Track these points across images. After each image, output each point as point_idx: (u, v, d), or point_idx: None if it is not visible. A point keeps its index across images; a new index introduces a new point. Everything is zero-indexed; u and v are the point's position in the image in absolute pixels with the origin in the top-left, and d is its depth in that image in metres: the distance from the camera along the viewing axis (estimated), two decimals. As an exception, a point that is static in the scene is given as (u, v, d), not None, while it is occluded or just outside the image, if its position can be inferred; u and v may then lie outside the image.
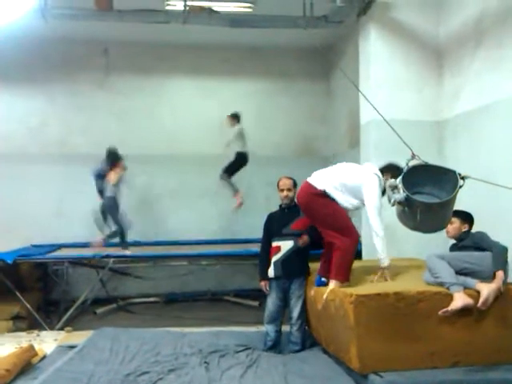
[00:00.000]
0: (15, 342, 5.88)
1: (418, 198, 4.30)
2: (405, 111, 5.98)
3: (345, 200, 4.43)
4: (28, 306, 6.60)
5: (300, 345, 4.92)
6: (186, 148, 8.96)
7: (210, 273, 8.25)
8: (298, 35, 6.78)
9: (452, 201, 4.28)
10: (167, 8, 6.66)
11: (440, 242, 4.99)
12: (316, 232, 4.70)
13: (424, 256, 4.41)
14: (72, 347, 5.02)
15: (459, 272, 4.00)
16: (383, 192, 4.50)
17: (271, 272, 5.04)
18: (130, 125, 8.94)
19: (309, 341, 4.99)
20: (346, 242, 4.35)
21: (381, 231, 4.32)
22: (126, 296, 8.32)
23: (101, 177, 7.61)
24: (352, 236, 4.40)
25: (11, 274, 6.73)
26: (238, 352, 4.75)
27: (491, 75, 5.19)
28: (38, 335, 6.31)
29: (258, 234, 5.37)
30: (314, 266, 4.91)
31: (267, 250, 5.14)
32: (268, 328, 5.02)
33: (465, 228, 4.35)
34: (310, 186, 4.53)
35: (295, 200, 5.09)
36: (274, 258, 5.03)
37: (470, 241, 4.27)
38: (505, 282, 3.98)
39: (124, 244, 7.24)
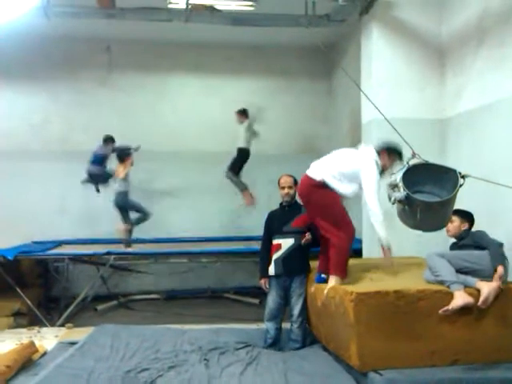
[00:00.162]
0: (16, 338, 5.89)
1: (418, 196, 4.31)
2: (407, 110, 5.98)
3: (344, 187, 4.44)
4: (29, 302, 6.63)
5: (300, 342, 4.93)
6: (188, 145, 8.98)
7: (210, 270, 8.27)
8: (300, 34, 6.79)
9: (452, 200, 4.29)
10: (169, 6, 6.66)
11: (440, 240, 4.99)
12: (317, 230, 4.71)
13: (424, 254, 4.41)
14: (72, 344, 5.03)
15: (459, 270, 4.00)
16: (381, 172, 4.51)
17: (272, 270, 5.04)
18: (132, 122, 8.95)
19: (309, 338, 4.99)
20: (342, 237, 4.38)
21: (380, 216, 4.32)
22: (126, 293, 8.34)
23: (97, 161, 7.70)
24: (348, 231, 4.43)
25: (12, 270, 6.76)
26: (237, 349, 4.75)
27: (493, 74, 5.19)
28: (39, 332, 6.33)
29: (259, 231, 5.38)
30: (315, 264, 4.91)
31: (268, 248, 5.14)
32: (268, 325, 5.03)
33: (465, 227, 4.35)
34: (309, 178, 4.55)
35: (296, 198, 5.12)
36: (275, 256, 5.03)
37: (470, 240, 4.27)
38: (505, 281, 3.99)
39: (127, 241, 7.26)
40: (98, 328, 5.40)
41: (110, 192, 7.95)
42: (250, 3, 7.03)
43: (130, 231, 7.36)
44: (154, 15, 6.51)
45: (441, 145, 6.02)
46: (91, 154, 7.74)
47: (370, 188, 4.37)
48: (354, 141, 7.68)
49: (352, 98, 7.46)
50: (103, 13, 6.41)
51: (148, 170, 8.45)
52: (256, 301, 7.57)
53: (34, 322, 6.65)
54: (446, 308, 3.77)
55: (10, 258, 6.40)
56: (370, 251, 6.06)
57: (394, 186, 4.36)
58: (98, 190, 7.84)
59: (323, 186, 4.44)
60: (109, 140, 7.89)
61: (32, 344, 4.87)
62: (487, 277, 3.93)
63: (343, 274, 4.37)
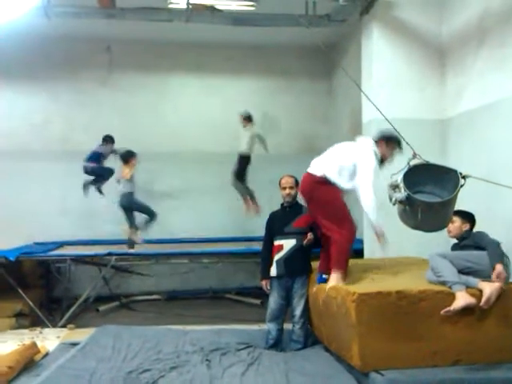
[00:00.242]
0: (18, 339, 5.88)
1: (419, 197, 4.31)
2: (407, 110, 5.99)
3: (345, 181, 4.45)
4: (31, 303, 6.63)
5: (302, 343, 4.92)
6: (189, 145, 8.98)
7: (211, 271, 8.27)
8: (300, 34, 6.79)
9: (453, 200, 4.29)
10: (170, 6, 6.66)
11: (441, 241, 4.99)
12: (318, 230, 4.72)
13: (425, 255, 4.41)
14: (74, 344, 5.03)
15: (462, 271, 4.00)
16: (381, 162, 4.55)
17: (274, 271, 5.04)
18: (132, 122, 8.95)
19: (310, 339, 4.99)
20: (343, 234, 4.40)
21: (372, 202, 4.33)
22: (128, 294, 8.34)
23: (94, 158, 7.73)
24: (349, 228, 4.46)
25: (14, 271, 6.76)
26: (239, 350, 4.75)
27: (494, 74, 5.19)
28: (41, 332, 6.33)
29: (260, 232, 5.38)
30: (316, 265, 4.92)
31: (269, 249, 5.14)
32: (270, 326, 5.02)
33: (466, 227, 4.35)
34: (310, 176, 4.57)
35: (297, 198, 5.13)
36: (277, 257, 5.03)
37: (470, 240, 4.27)
38: (507, 281, 3.99)
39: (130, 242, 7.26)
40: (99, 329, 5.41)
41: (111, 192, 7.97)
42: (251, 3, 7.03)
43: (134, 232, 7.37)
44: (154, 15, 6.51)
45: (441, 145, 6.02)
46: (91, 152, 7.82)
47: (365, 174, 4.38)
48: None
49: (352, 97, 7.46)
50: (104, 13, 6.41)
51: (148, 171, 8.45)
52: (257, 301, 7.56)
53: (35, 322, 6.65)
54: (447, 309, 3.77)
55: (11, 259, 6.40)
56: (371, 251, 6.07)
57: (394, 187, 4.37)
58: (100, 192, 7.83)
59: (325, 181, 4.46)
60: (108, 140, 7.92)
61: (34, 345, 4.87)
62: (489, 277, 3.93)
63: (344, 270, 4.39)
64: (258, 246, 6.04)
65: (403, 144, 4.64)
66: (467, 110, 5.65)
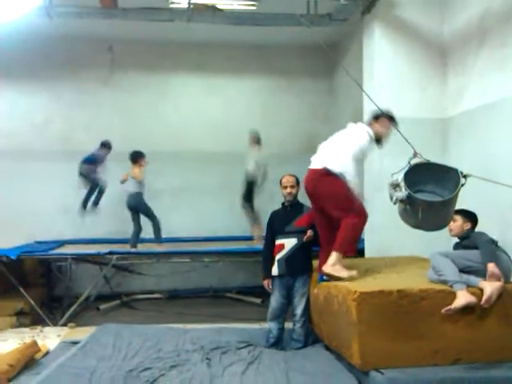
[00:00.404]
0: (18, 337, 5.89)
1: (419, 196, 4.31)
2: (408, 109, 5.97)
3: (345, 168, 4.44)
4: (31, 301, 6.63)
5: (302, 342, 4.92)
6: (190, 145, 8.99)
7: (212, 270, 8.26)
8: (301, 33, 6.78)
9: (454, 199, 4.29)
10: (171, 6, 6.67)
11: (442, 240, 4.99)
12: (319, 228, 4.73)
13: (427, 254, 4.42)
14: (75, 343, 5.04)
15: (463, 270, 4.00)
16: (378, 142, 4.62)
17: (275, 270, 5.05)
18: (133, 122, 8.97)
19: (311, 337, 4.99)
20: (355, 219, 4.41)
21: (353, 179, 4.40)
22: (129, 292, 8.35)
23: (90, 162, 7.74)
24: (361, 215, 4.48)
25: (15, 270, 6.77)
26: (239, 349, 4.75)
27: (495, 74, 5.19)
28: (42, 331, 6.32)
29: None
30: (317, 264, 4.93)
31: (270, 248, 5.15)
32: (271, 325, 5.03)
33: (467, 226, 4.34)
34: (312, 171, 4.59)
35: (298, 198, 5.13)
36: (278, 256, 5.04)
37: (471, 240, 4.26)
38: (508, 280, 3.99)
39: (133, 242, 7.27)
40: (100, 327, 5.41)
41: (111, 192, 7.99)
42: (252, 3, 7.03)
43: (137, 233, 7.36)
44: (155, 15, 6.52)
45: (443, 144, 6.02)
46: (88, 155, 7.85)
47: (350, 151, 4.42)
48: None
49: (354, 97, 7.45)
50: (105, 13, 6.43)
51: (149, 170, 8.42)
52: (258, 300, 7.57)
53: (36, 321, 6.65)
54: (448, 307, 3.76)
55: (12, 257, 6.41)
56: (373, 251, 6.07)
57: (395, 186, 4.36)
58: (96, 204, 7.87)
59: (326, 174, 4.46)
60: (105, 145, 7.93)
61: (34, 343, 4.88)
62: (490, 276, 3.93)
63: (344, 251, 4.43)
64: (258, 245, 6.04)
65: (405, 144, 4.65)
66: (468, 109, 5.65)
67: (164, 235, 7.52)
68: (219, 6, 6.59)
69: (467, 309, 3.79)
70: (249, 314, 6.91)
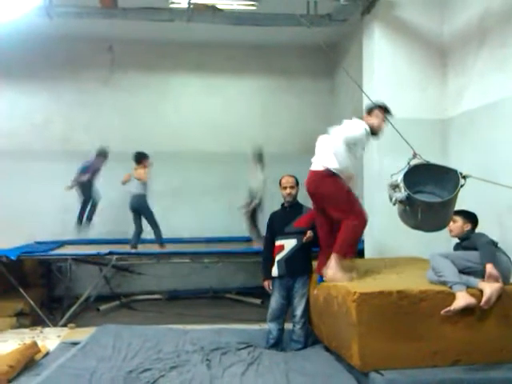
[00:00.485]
0: (18, 338, 5.88)
1: (419, 197, 4.30)
2: (408, 110, 5.97)
3: (344, 163, 4.46)
4: (31, 302, 6.62)
5: (302, 343, 4.92)
6: (190, 145, 8.98)
7: (212, 270, 8.26)
8: (301, 33, 6.78)
9: (453, 200, 4.28)
10: (171, 6, 6.67)
11: (442, 240, 4.99)
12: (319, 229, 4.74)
13: (426, 255, 4.41)
14: (75, 344, 5.04)
15: (463, 271, 4.00)
16: (374, 134, 4.61)
17: (275, 271, 5.05)
18: (133, 122, 8.97)
19: (310, 338, 4.99)
20: (355, 221, 4.43)
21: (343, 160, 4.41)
22: (129, 293, 8.34)
23: (86, 170, 7.71)
24: (361, 217, 4.51)
25: (15, 270, 6.76)
26: (239, 349, 4.75)
27: (495, 74, 5.19)
28: (42, 332, 6.32)
29: (261, 231, 5.37)
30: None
31: (271, 249, 5.15)
32: (271, 326, 5.03)
33: (467, 227, 4.33)
34: (314, 172, 4.60)
35: (297, 198, 5.13)
36: (278, 257, 5.04)
37: (471, 241, 4.26)
38: (507, 281, 3.99)
39: (133, 243, 7.26)
40: (100, 328, 5.41)
41: (110, 192, 7.99)
42: (252, 3, 7.02)
43: (138, 234, 7.36)
44: (156, 15, 6.52)
45: (442, 145, 6.02)
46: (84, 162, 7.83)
47: (343, 134, 4.43)
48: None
49: (354, 97, 7.45)
50: (105, 13, 6.43)
51: (149, 170, 8.45)
52: (258, 301, 7.57)
53: (36, 322, 6.65)
54: (447, 309, 3.76)
55: (12, 258, 6.41)
56: (372, 251, 6.07)
57: (395, 187, 4.36)
58: (89, 219, 7.84)
59: (328, 175, 4.47)
60: (102, 154, 7.88)
61: (34, 344, 4.89)
62: (490, 277, 3.93)
63: (343, 255, 4.44)
64: (258, 246, 6.04)
65: (404, 145, 4.64)
66: (468, 109, 5.65)
67: (164, 235, 7.52)
68: (219, 6, 6.59)
69: (467, 310, 3.79)
70: (249, 314, 6.91)
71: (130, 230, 7.50)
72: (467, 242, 4.26)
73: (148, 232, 7.54)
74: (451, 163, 5.38)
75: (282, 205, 5.24)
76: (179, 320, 6.61)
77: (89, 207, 7.84)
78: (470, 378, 3.67)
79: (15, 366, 4.30)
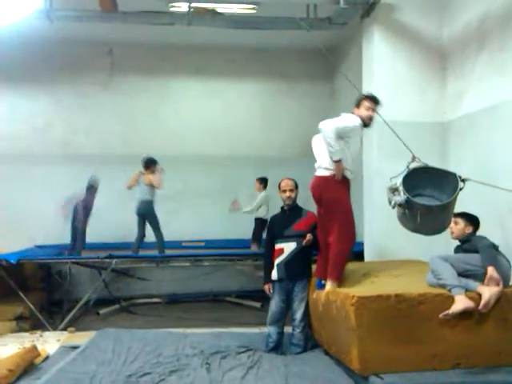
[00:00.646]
0: (18, 342, 5.88)
1: (418, 200, 4.31)
2: (407, 113, 5.98)
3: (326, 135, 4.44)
4: (31, 306, 6.61)
5: (302, 347, 4.92)
6: (190, 148, 8.99)
7: (211, 274, 8.25)
8: (301, 36, 6.78)
9: (452, 203, 4.29)
10: (171, 10, 6.68)
11: (442, 243, 4.99)
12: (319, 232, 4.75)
13: (426, 257, 4.42)
14: (75, 348, 5.04)
15: (462, 274, 4.01)
16: (366, 126, 4.62)
17: (274, 274, 5.05)
18: (134, 125, 8.99)
19: (310, 343, 4.99)
20: (343, 243, 4.47)
21: (334, 145, 4.36)
22: (128, 297, 8.33)
23: (84, 209, 7.51)
24: (349, 238, 4.53)
25: (15, 274, 6.76)
26: (239, 353, 4.76)
27: (494, 78, 5.19)
28: (41, 336, 6.31)
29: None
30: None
31: (271, 253, 5.15)
32: (270, 329, 5.03)
33: (469, 230, 4.31)
34: (319, 177, 4.60)
35: (297, 202, 5.14)
36: (277, 261, 5.04)
37: (471, 243, 4.26)
38: (507, 285, 3.99)
39: (135, 248, 7.26)
40: (99, 332, 5.42)
41: (110, 195, 7.99)
42: (252, 6, 7.03)
43: (141, 239, 7.35)
44: (156, 19, 6.52)
45: (442, 148, 6.01)
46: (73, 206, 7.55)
47: (333, 126, 4.39)
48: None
49: (354, 100, 7.44)
50: (105, 16, 6.42)
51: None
52: (258, 304, 7.56)
53: (36, 325, 6.64)
54: (446, 312, 3.77)
55: (12, 261, 6.40)
56: (372, 254, 6.07)
57: (394, 190, 4.37)
58: (79, 251, 7.56)
59: (332, 180, 4.47)
60: (93, 186, 7.66)
61: (34, 348, 4.87)
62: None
63: (339, 278, 4.47)
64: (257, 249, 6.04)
65: (403, 148, 4.66)
66: (467, 113, 5.64)
67: (165, 239, 7.52)
68: (219, 10, 6.60)
69: (465, 313, 3.80)
70: (248, 318, 6.90)
71: (129, 234, 7.49)
72: (468, 244, 4.26)
73: (151, 236, 7.53)
74: (450, 166, 5.39)
75: (282, 208, 5.24)
76: (179, 324, 6.60)
77: (78, 238, 7.62)
78: (469, 381, 3.68)
79: (15, 370, 4.29)
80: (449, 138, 6.00)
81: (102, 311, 7.51)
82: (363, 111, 4.62)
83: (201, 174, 8.97)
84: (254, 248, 7.60)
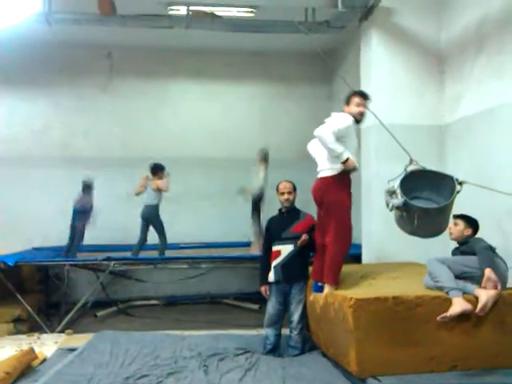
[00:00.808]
0: (16, 344, 5.88)
1: (415, 203, 4.32)
2: (405, 116, 6.00)
3: (320, 134, 4.43)
4: (29, 308, 6.60)
5: (300, 349, 4.92)
6: (189, 151, 9.00)
7: (209, 276, 8.25)
8: (300, 40, 6.81)
9: (449, 206, 4.30)
10: (170, 13, 6.70)
11: (439, 245, 4.99)
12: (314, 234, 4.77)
13: (423, 260, 4.42)
14: (72, 350, 5.04)
15: (460, 276, 4.01)
16: (358, 122, 4.61)
17: (271, 276, 5.05)
18: (132, 128, 8.99)
19: (308, 345, 4.99)
20: (339, 247, 4.49)
21: (336, 149, 4.35)
22: (126, 299, 8.33)
23: (82, 214, 7.54)
24: (346, 241, 4.55)
25: (12, 276, 6.74)
26: (237, 355, 4.76)
27: (492, 81, 5.21)
28: (39, 338, 6.31)
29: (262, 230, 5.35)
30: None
31: (268, 255, 5.15)
32: (268, 331, 5.03)
33: (468, 232, 4.32)
34: (320, 180, 4.61)
35: (295, 204, 5.15)
36: (274, 263, 5.04)
37: (469, 245, 4.26)
38: (504, 287, 3.99)
39: (135, 250, 7.26)
40: (97, 334, 5.41)
41: (108, 198, 7.99)
42: (250, 10, 7.06)
43: (142, 242, 7.35)
44: (154, 22, 6.54)
45: (439, 151, 6.03)
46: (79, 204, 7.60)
47: (328, 128, 4.39)
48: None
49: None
50: (104, 20, 6.43)
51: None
52: (256, 306, 7.56)
53: (33, 328, 6.63)
54: (443, 315, 3.76)
55: (10, 264, 6.38)
56: (369, 257, 6.07)
57: (391, 193, 4.38)
58: (74, 254, 7.61)
59: (333, 181, 4.49)
60: (88, 186, 7.66)
61: (32, 350, 4.86)
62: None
63: (335, 281, 4.49)
64: (256, 252, 6.04)
65: (401, 151, 4.67)
66: (465, 116, 5.67)
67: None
68: (218, 13, 6.61)
69: (463, 316, 3.80)
70: (246, 320, 6.90)
71: (127, 237, 7.49)
72: (465, 246, 4.26)
73: (153, 238, 7.53)
74: (448, 169, 5.40)
75: (280, 210, 5.24)
76: (177, 326, 6.60)
77: (73, 247, 7.62)
78: (467, 383, 3.67)
79: (12, 372, 4.28)
80: (446, 140, 6.02)
81: (100, 313, 7.50)
82: (353, 108, 4.61)
83: (200, 176, 8.98)
84: (255, 231, 7.62)
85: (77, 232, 7.50)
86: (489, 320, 3.88)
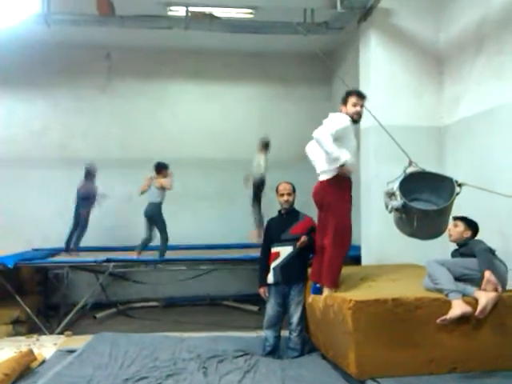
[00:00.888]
0: (14, 346, 5.87)
1: (415, 204, 4.32)
2: (404, 117, 6.00)
3: (318, 137, 4.43)
4: (28, 310, 6.61)
5: (299, 351, 4.91)
6: (188, 152, 8.99)
7: (209, 277, 8.24)
8: (299, 41, 6.81)
9: (449, 208, 4.30)
10: (169, 14, 6.70)
11: (439, 247, 4.99)
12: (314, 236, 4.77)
13: (423, 262, 4.42)
14: (71, 352, 5.02)
15: (459, 278, 4.01)
16: (355, 122, 4.58)
17: (270, 278, 5.04)
18: (131, 129, 8.99)
19: (307, 346, 4.98)
20: (337, 245, 4.46)
21: (333, 152, 4.35)
22: (125, 300, 8.32)
23: (82, 204, 7.61)
24: (345, 243, 4.54)
25: (12, 277, 6.74)
26: (236, 357, 4.75)
27: (491, 82, 5.21)
28: (38, 339, 6.31)
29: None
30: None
31: (267, 256, 5.14)
32: (267, 333, 5.02)
33: (467, 234, 4.32)
34: (321, 182, 4.59)
35: (294, 205, 5.14)
36: (273, 264, 5.03)
37: (469, 247, 4.26)
38: (504, 289, 3.99)
39: (139, 249, 7.24)
40: (96, 336, 5.39)
41: (109, 200, 7.98)
42: (249, 11, 7.07)
43: (147, 241, 7.33)
44: (153, 23, 6.55)
45: (438, 152, 6.03)
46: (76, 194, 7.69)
47: (324, 130, 4.39)
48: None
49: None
50: (103, 20, 6.45)
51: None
52: (255, 308, 7.55)
53: (32, 329, 6.63)
54: (443, 317, 3.76)
55: (9, 265, 6.38)
56: (369, 258, 6.07)
57: (391, 195, 4.37)
58: (77, 245, 7.71)
59: (333, 183, 4.48)
60: (90, 172, 7.74)
61: (31, 352, 4.85)
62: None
63: (335, 284, 4.47)
64: (255, 253, 6.04)
65: (400, 153, 4.67)
66: (464, 117, 5.66)
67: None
68: (217, 14, 6.62)
69: (462, 318, 3.79)
70: (246, 321, 6.90)
71: (127, 237, 7.48)
72: (465, 248, 4.26)
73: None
74: (447, 171, 5.41)
75: (279, 211, 5.24)
76: (176, 327, 6.59)
77: (77, 233, 7.71)
78: (467, 386, 3.68)
79: (11, 374, 4.27)
80: (445, 142, 6.02)
81: (99, 315, 7.50)
82: (350, 107, 4.58)
83: (199, 177, 8.98)
84: (256, 218, 7.61)
85: (81, 219, 7.54)
86: (488, 322, 3.88)
